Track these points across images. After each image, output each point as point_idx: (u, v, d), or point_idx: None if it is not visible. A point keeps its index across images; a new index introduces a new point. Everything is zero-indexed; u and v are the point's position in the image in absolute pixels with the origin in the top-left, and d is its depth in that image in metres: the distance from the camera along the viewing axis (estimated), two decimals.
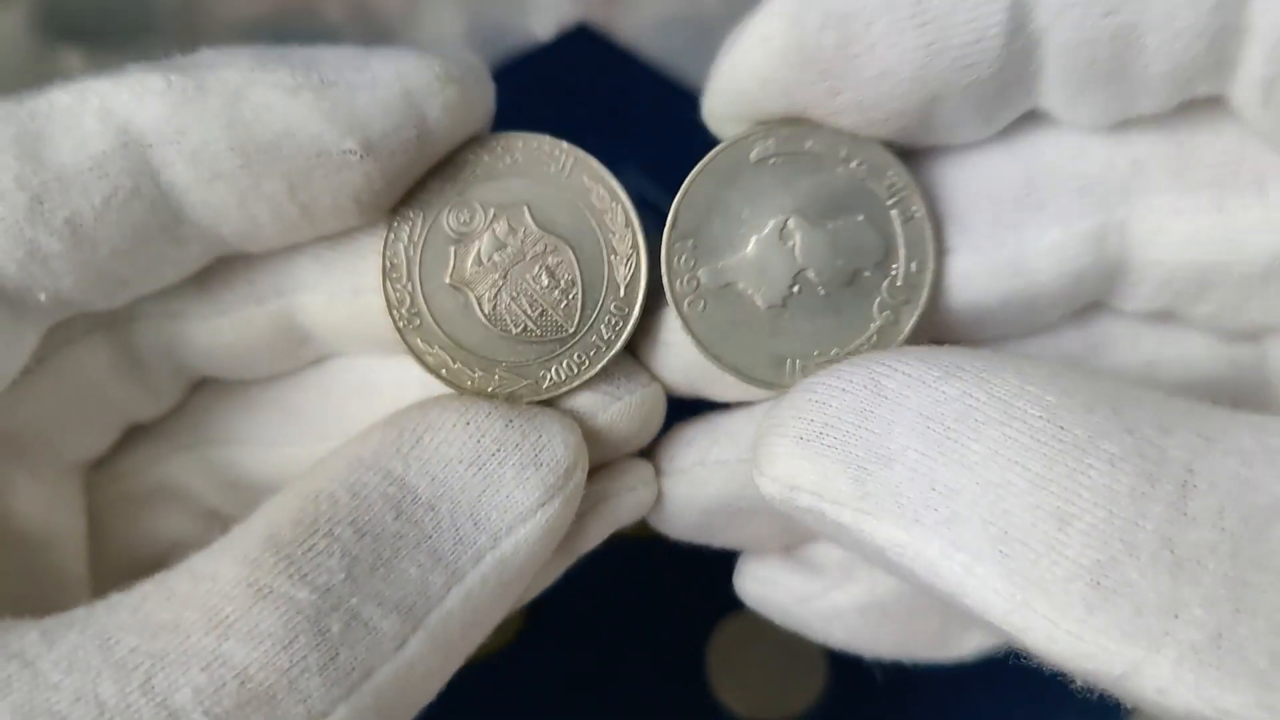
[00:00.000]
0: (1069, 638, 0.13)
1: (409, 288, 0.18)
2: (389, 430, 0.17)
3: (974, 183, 0.18)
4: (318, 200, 0.17)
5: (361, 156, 0.16)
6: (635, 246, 0.18)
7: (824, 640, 0.20)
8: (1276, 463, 0.13)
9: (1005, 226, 0.18)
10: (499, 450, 0.17)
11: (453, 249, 0.18)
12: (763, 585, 0.20)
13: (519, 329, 0.18)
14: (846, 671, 0.28)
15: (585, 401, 0.18)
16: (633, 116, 0.42)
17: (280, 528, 0.15)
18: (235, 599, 0.14)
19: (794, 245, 0.18)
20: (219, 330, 0.19)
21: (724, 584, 0.21)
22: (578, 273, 0.18)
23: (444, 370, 0.18)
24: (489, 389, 0.18)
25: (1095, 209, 0.17)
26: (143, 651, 0.14)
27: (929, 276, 0.18)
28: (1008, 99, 0.17)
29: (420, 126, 0.16)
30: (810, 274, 0.18)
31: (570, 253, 0.18)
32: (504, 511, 0.16)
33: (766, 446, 0.16)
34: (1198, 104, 0.17)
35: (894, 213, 0.18)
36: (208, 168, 0.16)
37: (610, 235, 0.18)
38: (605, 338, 0.18)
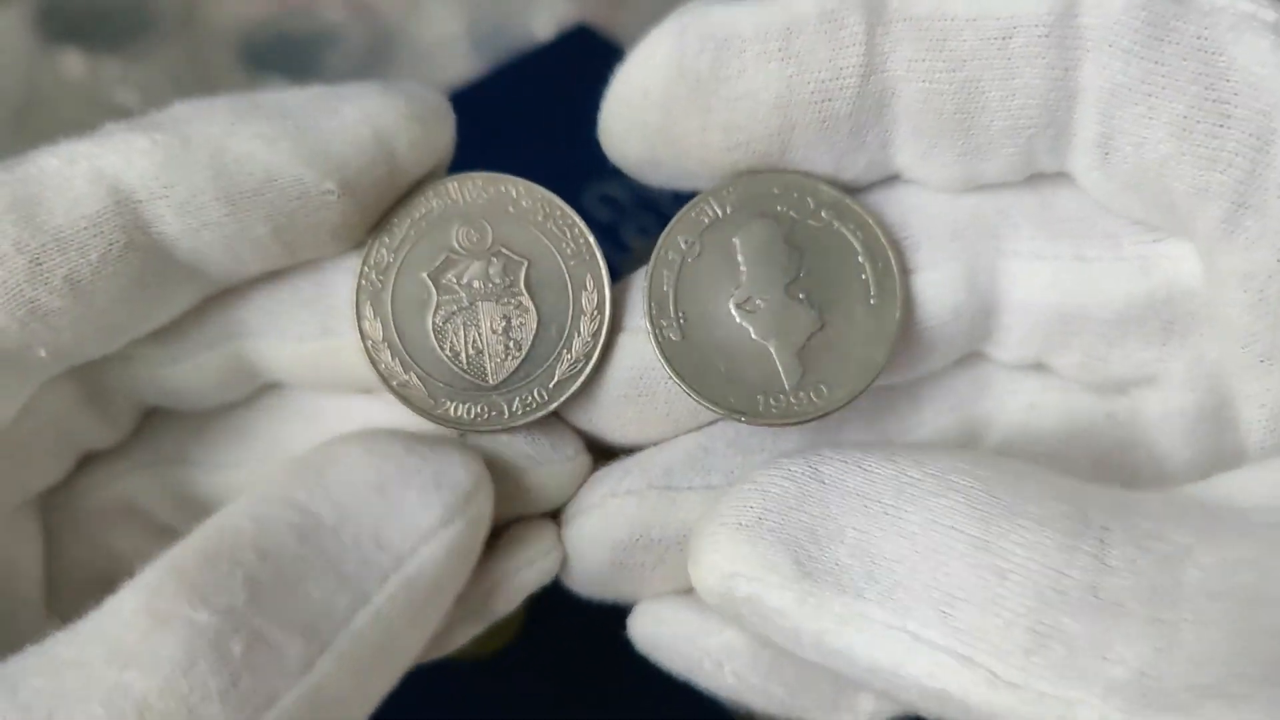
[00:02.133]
0: (1009, 688, 0.14)
1: (381, 316, 0.19)
2: (295, 465, 0.17)
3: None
4: (300, 238, 0.18)
5: (339, 195, 0.17)
6: (597, 332, 0.19)
7: (715, 689, 0.19)
8: (1181, 519, 0.15)
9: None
10: (400, 473, 0.17)
11: (443, 256, 0.19)
12: (654, 624, 0.19)
13: (450, 354, 0.19)
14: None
15: (514, 453, 0.19)
16: None
17: (184, 558, 0.15)
18: (135, 627, 0.14)
19: (761, 313, 0.18)
20: (173, 375, 0.19)
21: None
22: (530, 342, 0.19)
23: (411, 396, 0.19)
24: (453, 417, 0.19)
25: (964, 251, 0.18)
26: (46, 691, 0.14)
27: (899, 310, 0.18)
28: (861, 141, 0.18)
29: (390, 163, 0.18)
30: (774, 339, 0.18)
31: (535, 323, 0.19)
32: (407, 532, 0.16)
33: (704, 536, 0.16)
34: (1050, 176, 0.18)
35: (860, 254, 0.19)
36: (196, 218, 0.17)
37: (581, 316, 0.19)
38: (538, 399, 0.19)
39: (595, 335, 0.19)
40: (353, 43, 0.49)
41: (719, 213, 0.19)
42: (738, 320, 0.18)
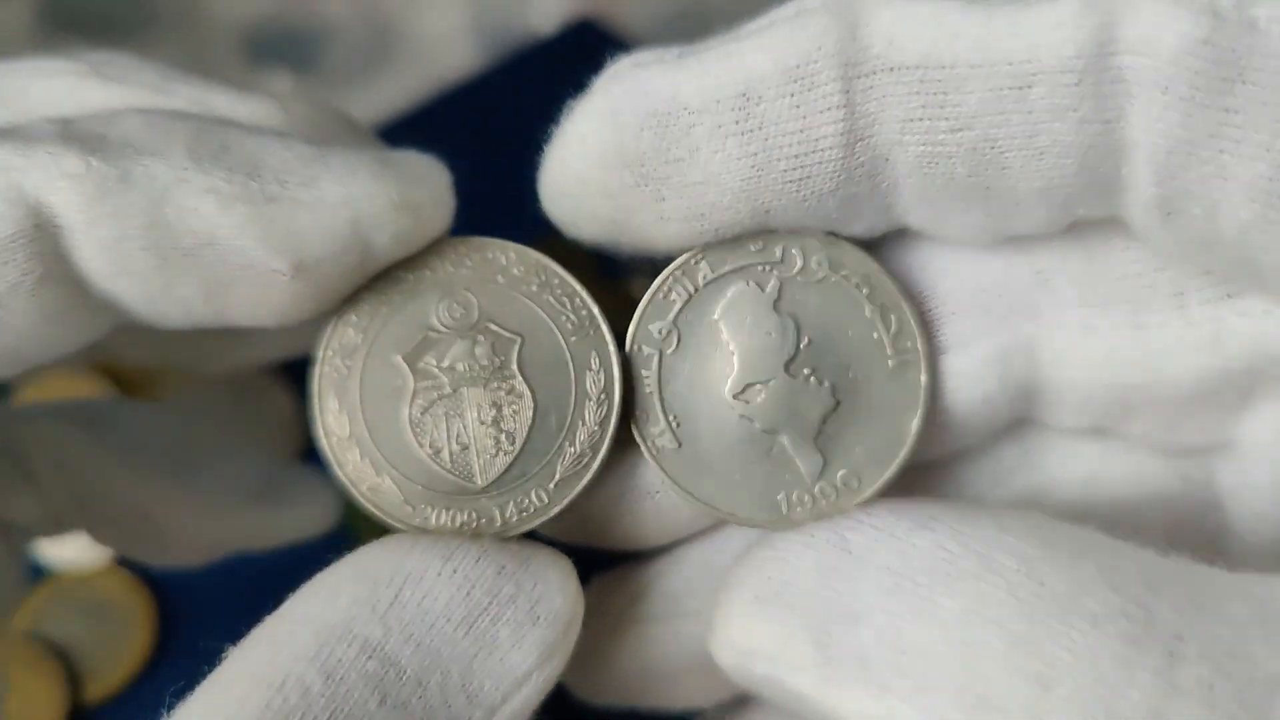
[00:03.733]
0: None
1: (348, 408, 0.16)
2: (359, 586, 0.14)
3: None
4: (234, 308, 0.15)
5: (291, 277, 0.15)
6: (605, 419, 0.16)
7: None
8: (1272, 635, 0.12)
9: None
10: (492, 604, 0.14)
11: (421, 335, 0.16)
12: None
13: (431, 451, 0.16)
14: None
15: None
16: None
17: None
18: None
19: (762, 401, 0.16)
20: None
21: None
22: (525, 434, 0.16)
23: (383, 503, 0.16)
24: (427, 523, 0.16)
25: (995, 328, 0.16)
26: None
27: (924, 373, 0.16)
28: (858, 214, 0.15)
29: (364, 253, 0.15)
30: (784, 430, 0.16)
31: (531, 410, 0.16)
32: (500, 679, 0.14)
33: (721, 607, 0.15)
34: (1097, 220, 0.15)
35: (875, 319, 0.16)
36: (119, 263, 0.14)
37: (585, 401, 0.16)
38: (536, 502, 0.16)
39: (603, 424, 0.16)
40: (354, 37, 0.49)
41: (690, 289, 0.16)
42: (738, 414, 0.16)
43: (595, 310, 0.16)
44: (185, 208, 0.14)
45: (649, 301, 0.16)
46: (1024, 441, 0.18)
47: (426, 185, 0.16)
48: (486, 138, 0.42)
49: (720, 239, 0.16)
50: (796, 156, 0.14)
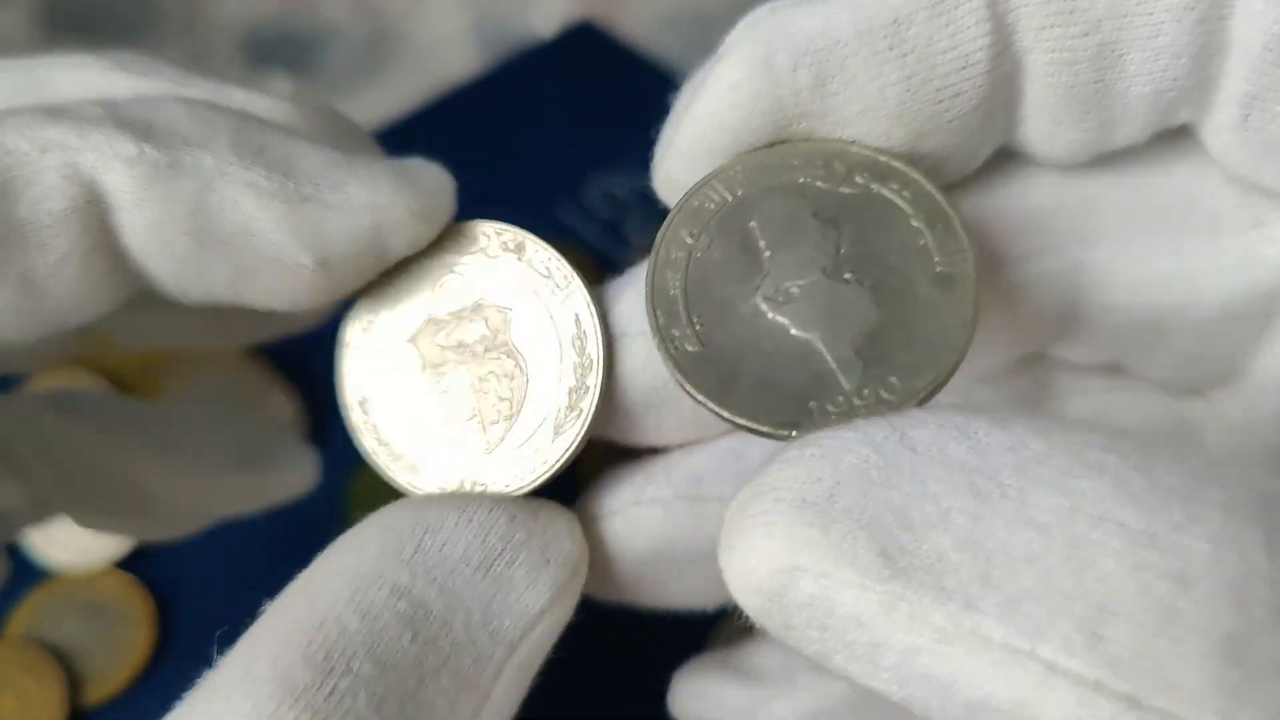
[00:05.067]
0: None
1: (366, 388, 0.17)
2: (385, 536, 0.15)
3: None
4: (254, 292, 0.16)
5: (313, 271, 0.16)
6: (590, 376, 0.17)
7: None
8: None
9: None
10: (506, 549, 0.15)
11: (424, 318, 0.17)
12: (698, 700, 0.18)
13: (441, 422, 0.17)
14: None
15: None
16: (635, 114, 0.42)
17: (291, 668, 0.13)
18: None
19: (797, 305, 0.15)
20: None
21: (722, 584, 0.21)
22: (521, 398, 0.17)
23: (395, 468, 0.17)
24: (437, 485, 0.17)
25: (1046, 249, 0.16)
26: None
27: (971, 261, 0.15)
28: (991, 130, 0.16)
29: (380, 253, 0.16)
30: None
31: (525, 376, 0.17)
32: (518, 616, 0.15)
33: (752, 517, 0.12)
34: (1152, 145, 0.16)
35: (916, 221, 0.15)
36: (159, 240, 0.15)
37: (571, 359, 0.17)
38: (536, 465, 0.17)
39: (588, 380, 0.17)
40: (355, 40, 0.49)
41: (727, 197, 0.16)
42: (770, 316, 0.15)
43: (571, 272, 0.17)
44: (227, 199, 0.15)
45: (680, 208, 0.16)
46: (1035, 370, 0.18)
47: (439, 194, 0.17)
48: (487, 139, 0.42)
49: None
50: (949, 74, 0.15)
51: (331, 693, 0.13)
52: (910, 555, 0.11)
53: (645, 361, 0.16)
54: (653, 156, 0.17)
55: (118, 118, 0.15)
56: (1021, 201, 0.17)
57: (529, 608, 0.15)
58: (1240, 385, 0.17)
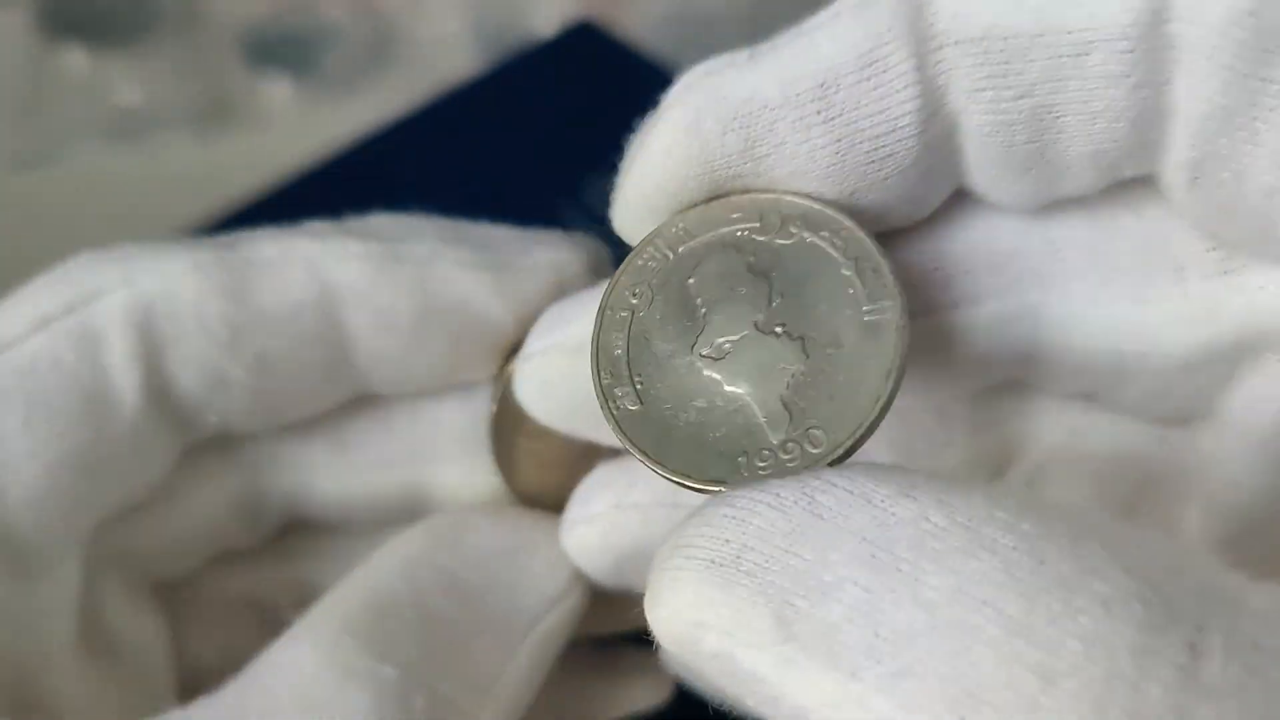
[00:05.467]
0: None
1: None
2: (430, 533, 0.19)
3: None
4: (466, 359, 0.19)
5: (514, 327, 0.19)
6: None
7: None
8: None
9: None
10: (528, 544, 0.19)
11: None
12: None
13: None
14: None
15: None
16: (635, 114, 0.42)
17: (352, 615, 0.16)
18: (323, 682, 0.15)
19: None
20: (347, 488, 0.20)
21: None
22: None
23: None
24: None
25: (1004, 291, 0.16)
26: None
27: (899, 307, 0.15)
28: (934, 183, 0.16)
29: (557, 299, 0.19)
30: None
31: None
32: (539, 597, 0.18)
33: (667, 572, 0.13)
34: (1121, 184, 0.16)
35: (849, 272, 0.15)
36: (386, 322, 0.18)
37: None
38: None
39: None
40: (355, 40, 0.49)
41: (668, 254, 0.16)
42: (704, 372, 0.15)
43: None
44: (442, 276, 0.18)
45: (625, 267, 0.16)
46: (1013, 388, 0.18)
47: (600, 257, 0.20)
48: (487, 139, 0.42)
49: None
50: (878, 136, 0.15)
51: (385, 632, 0.16)
52: (804, 620, 0.12)
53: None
54: (612, 214, 0.17)
55: (344, 228, 0.19)
56: (981, 243, 0.17)
57: (547, 590, 0.18)
58: (1211, 422, 0.17)
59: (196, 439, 0.19)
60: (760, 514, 0.13)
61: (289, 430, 0.20)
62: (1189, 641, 0.10)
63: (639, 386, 0.15)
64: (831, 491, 0.12)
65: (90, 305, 0.17)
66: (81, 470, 0.17)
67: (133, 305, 0.17)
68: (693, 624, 0.13)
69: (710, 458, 0.15)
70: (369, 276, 0.18)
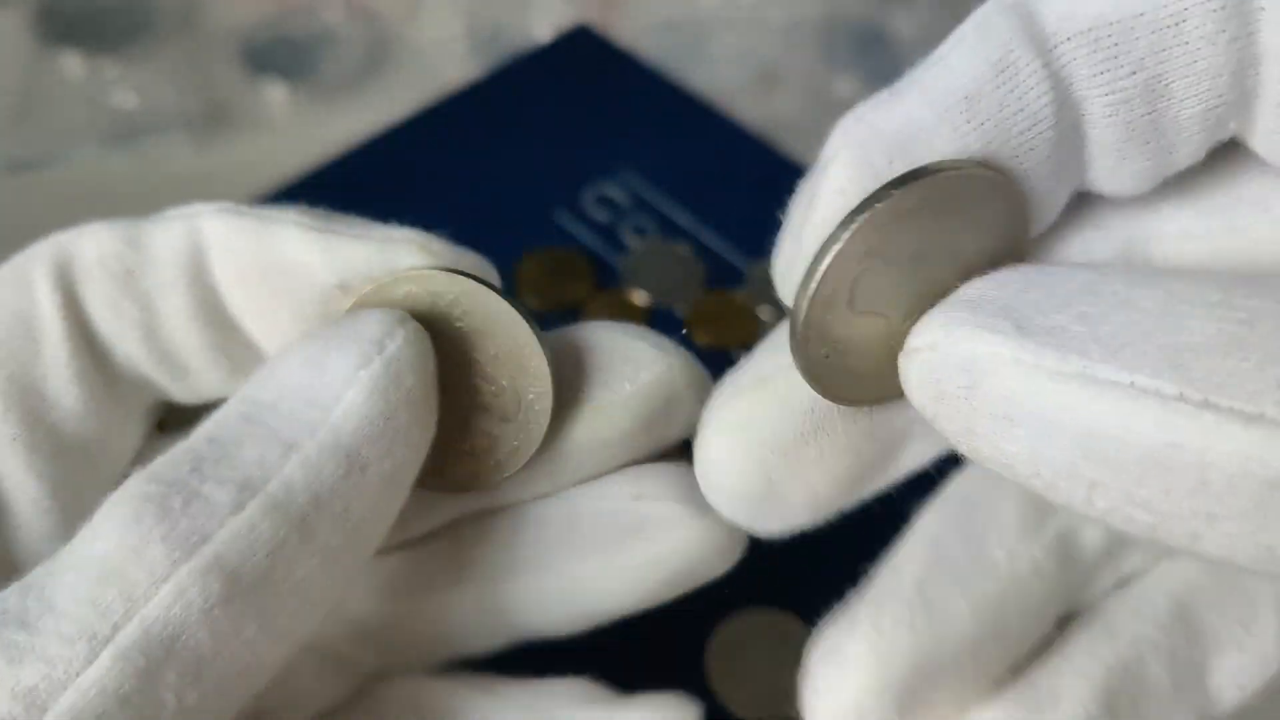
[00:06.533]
0: (1269, 427, 0.12)
1: None
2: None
3: None
4: (304, 318, 0.20)
5: (342, 292, 0.19)
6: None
7: None
8: None
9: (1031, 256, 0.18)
10: (326, 344, 0.18)
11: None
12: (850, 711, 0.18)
13: None
14: None
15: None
16: (631, 119, 0.42)
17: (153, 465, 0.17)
18: (102, 510, 0.16)
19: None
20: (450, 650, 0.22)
21: (724, 584, 0.21)
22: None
23: None
24: None
25: (1114, 235, 0.18)
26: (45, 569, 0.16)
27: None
28: (1065, 176, 0.18)
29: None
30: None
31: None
32: (329, 383, 0.17)
33: (927, 320, 0.16)
34: (1211, 170, 0.18)
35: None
36: (240, 272, 0.20)
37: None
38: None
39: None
40: (352, 44, 0.49)
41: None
42: None
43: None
44: (279, 234, 0.19)
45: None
46: None
47: (448, 244, 0.20)
48: (483, 144, 0.42)
49: None
50: (1022, 133, 0.16)
51: (166, 461, 0.17)
52: (1038, 326, 0.14)
53: None
54: (771, 266, 0.18)
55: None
56: (1098, 239, 0.19)
57: (338, 373, 0.17)
58: None
59: (138, 400, 0.21)
60: (1001, 275, 0.16)
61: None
62: None
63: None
64: (1059, 266, 0.16)
65: (21, 256, 0.20)
66: (24, 387, 0.19)
67: (55, 251, 0.20)
68: (941, 340, 0.15)
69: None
70: (226, 227, 0.19)
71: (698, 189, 0.39)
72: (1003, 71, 0.16)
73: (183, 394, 0.21)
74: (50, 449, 0.19)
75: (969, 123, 0.16)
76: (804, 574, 0.30)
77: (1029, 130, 0.16)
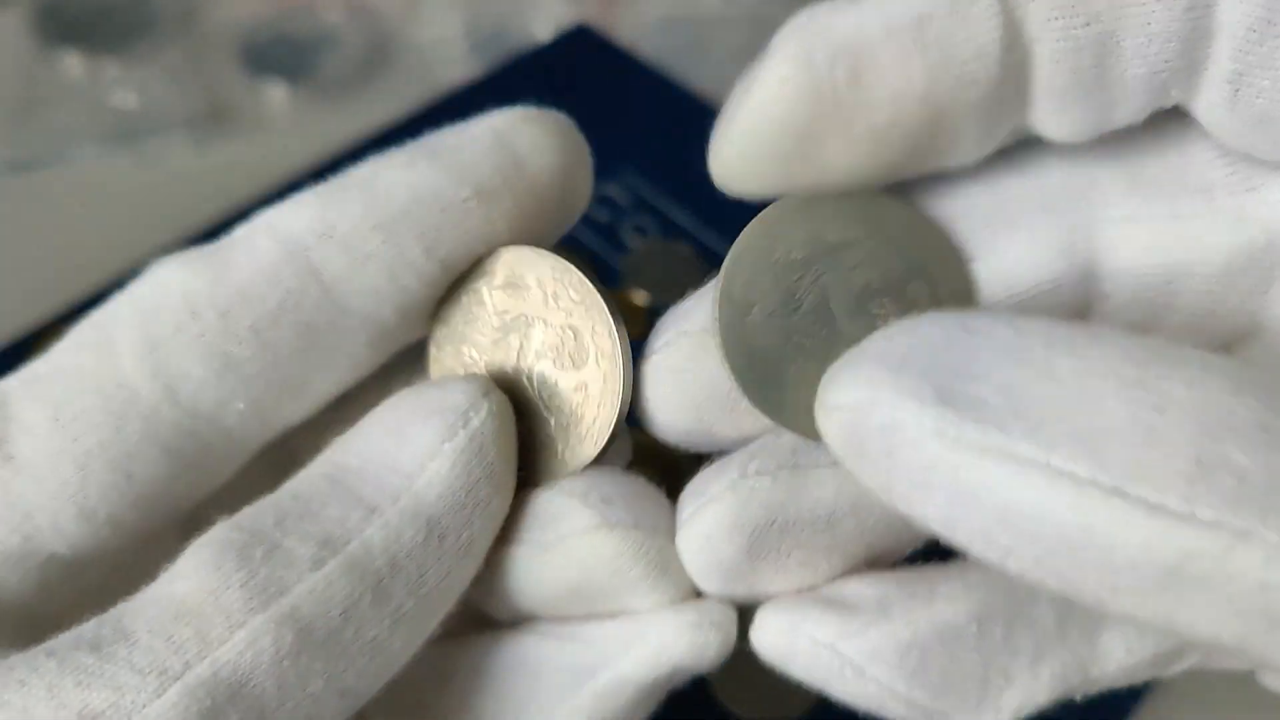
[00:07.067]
0: (1168, 518, 0.13)
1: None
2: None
3: (946, 208, 0.19)
4: (452, 254, 0.19)
5: (478, 201, 0.19)
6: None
7: (853, 699, 0.18)
8: None
9: (980, 244, 0.19)
10: (410, 413, 0.18)
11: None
12: (786, 634, 0.18)
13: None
14: None
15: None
16: (632, 118, 0.42)
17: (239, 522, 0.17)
18: (184, 555, 0.16)
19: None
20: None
21: None
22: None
23: None
24: None
25: (1059, 222, 0.19)
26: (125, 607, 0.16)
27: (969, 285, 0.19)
28: (1004, 113, 0.18)
29: (517, 164, 0.19)
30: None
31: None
32: (414, 454, 0.18)
33: (839, 374, 0.16)
34: (1146, 124, 0.18)
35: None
36: (358, 250, 0.18)
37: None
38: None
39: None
40: (352, 44, 0.49)
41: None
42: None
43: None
44: (387, 182, 0.18)
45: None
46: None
47: (545, 112, 0.20)
48: None
49: (896, 155, 0.18)
50: (966, 62, 0.17)
51: (250, 512, 0.17)
52: (959, 395, 0.14)
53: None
54: (708, 150, 0.19)
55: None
56: (1033, 181, 0.19)
57: (422, 444, 0.18)
58: (1259, 339, 0.19)
59: (257, 446, 0.20)
60: (922, 329, 0.16)
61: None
62: (1267, 386, 0.14)
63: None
64: (979, 318, 0.16)
65: (98, 314, 0.19)
66: (109, 465, 0.18)
67: (133, 305, 0.18)
68: (864, 402, 0.15)
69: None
70: (320, 213, 0.18)
71: (698, 189, 0.39)
72: (958, 0, 0.17)
73: (306, 412, 0.20)
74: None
75: (915, 43, 0.17)
76: None
77: (973, 61, 0.17)
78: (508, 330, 0.20)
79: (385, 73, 0.49)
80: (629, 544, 0.18)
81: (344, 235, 0.18)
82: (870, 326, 0.18)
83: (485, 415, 0.18)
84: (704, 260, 0.37)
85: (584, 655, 0.19)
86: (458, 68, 0.48)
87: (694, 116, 0.44)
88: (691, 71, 0.45)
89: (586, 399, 0.19)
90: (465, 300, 0.20)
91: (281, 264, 0.18)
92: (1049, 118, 0.18)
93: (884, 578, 0.19)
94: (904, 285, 0.19)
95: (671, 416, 0.19)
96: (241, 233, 0.19)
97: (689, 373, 0.19)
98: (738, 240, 0.19)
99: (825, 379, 0.16)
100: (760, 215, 0.19)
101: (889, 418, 0.15)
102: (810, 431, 0.17)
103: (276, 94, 0.47)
